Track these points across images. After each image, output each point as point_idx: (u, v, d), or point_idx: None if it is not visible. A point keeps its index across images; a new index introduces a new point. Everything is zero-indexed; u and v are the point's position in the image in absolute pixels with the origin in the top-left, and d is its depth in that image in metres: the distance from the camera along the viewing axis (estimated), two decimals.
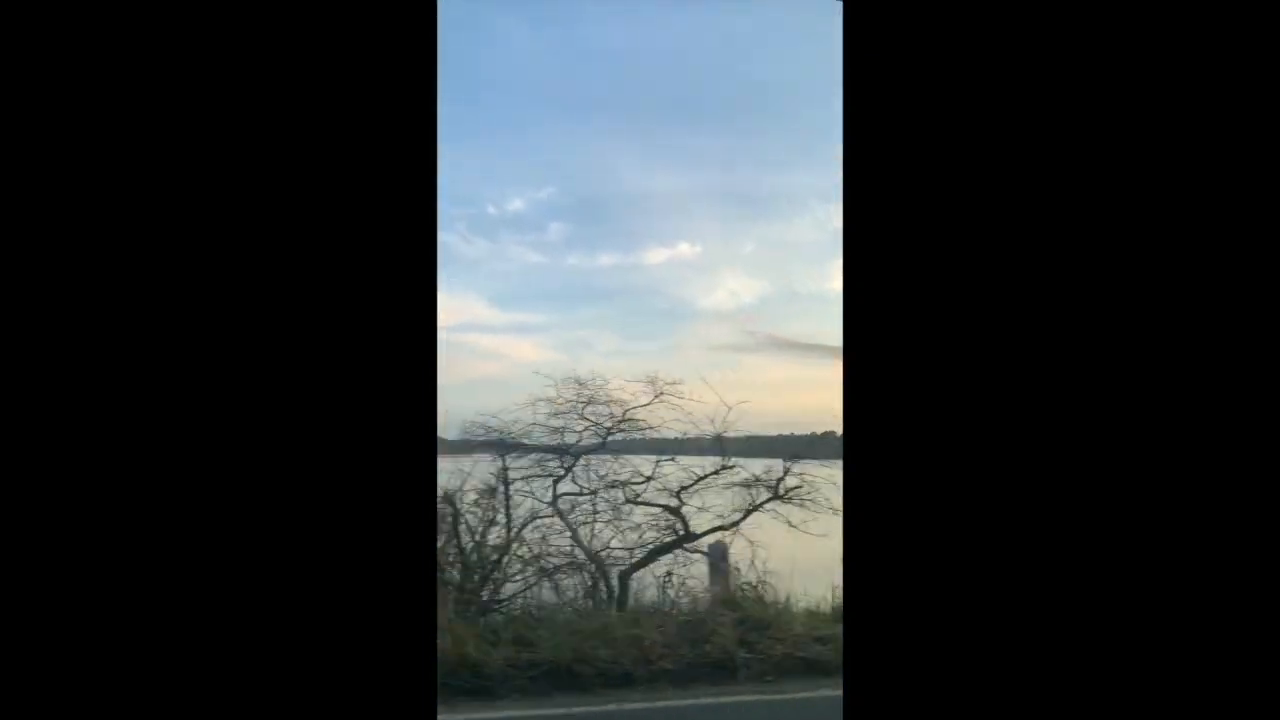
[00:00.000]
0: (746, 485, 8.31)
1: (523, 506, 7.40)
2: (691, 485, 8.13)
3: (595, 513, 7.47)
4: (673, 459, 8.43)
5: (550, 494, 7.43)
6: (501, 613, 6.32)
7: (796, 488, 8.68)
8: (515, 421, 7.65)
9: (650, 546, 7.26)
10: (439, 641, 4.43)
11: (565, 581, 6.87)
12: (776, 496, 8.49)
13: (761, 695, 4.59)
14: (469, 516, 7.14)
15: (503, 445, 7.68)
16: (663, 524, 7.91)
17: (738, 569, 7.74)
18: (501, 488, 7.39)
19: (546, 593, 6.73)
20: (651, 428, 8.58)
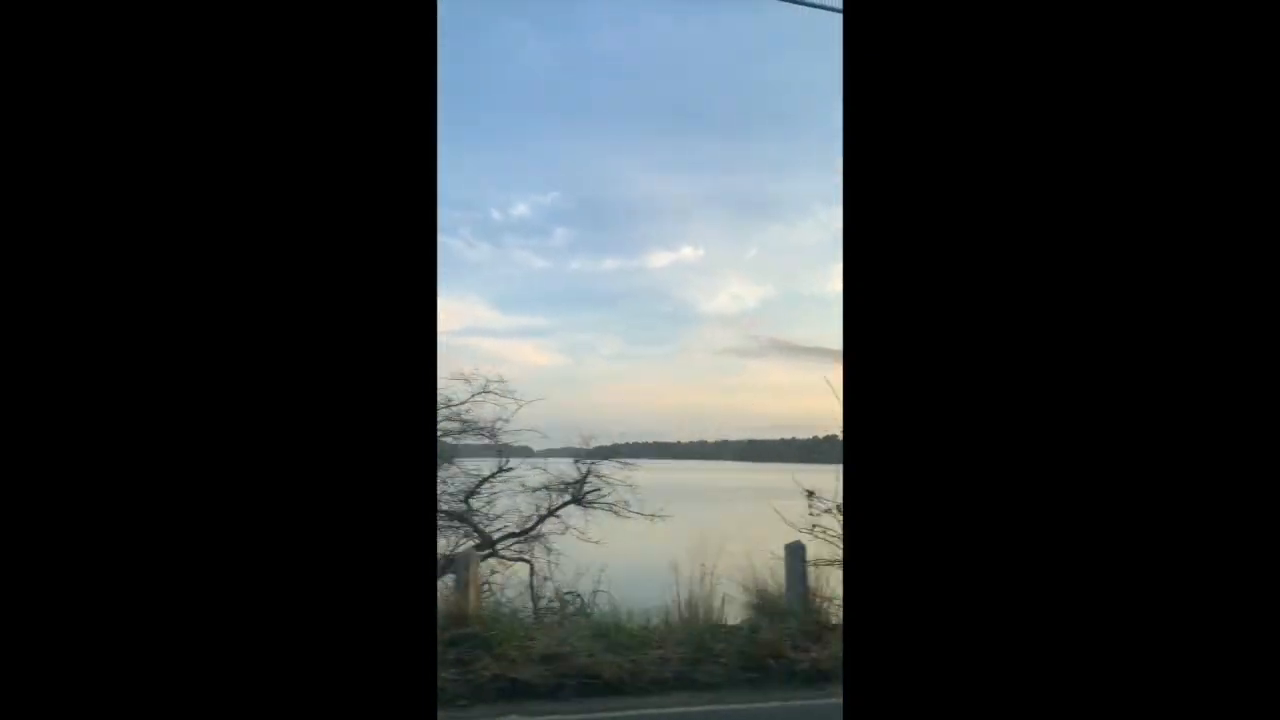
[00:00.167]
0: (548, 489, 8.20)
1: None
2: (477, 489, 7.94)
3: None
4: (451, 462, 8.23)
5: None
6: None
7: (595, 490, 8.58)
8: None
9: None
10: None
11: None
12: (576, 500, 8.41)
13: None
14: None
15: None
16: (462, 532, 7.72)
17: (547, 577, 7.61)
18: None
19: None
20: (480, 427, 8.41)
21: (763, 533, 6.54)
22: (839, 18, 1.54)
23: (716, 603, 6.10)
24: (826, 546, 6.42)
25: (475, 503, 8.21)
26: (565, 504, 8.50)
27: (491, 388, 8.02)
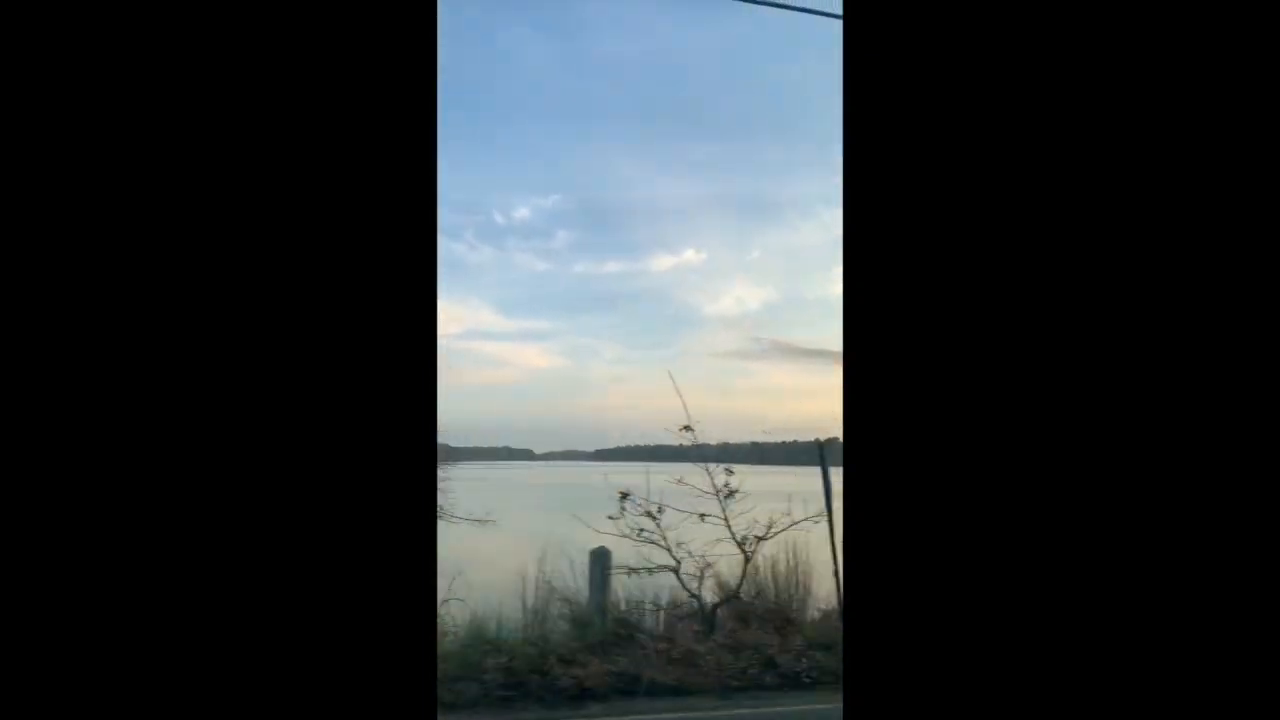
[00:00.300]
0: None
1: None
2: None
3: None
4: None
5: None
6: None
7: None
8: None
9: None
10: None
11: None
12: None
13: None
14: None
15: None
16: None
17: None
18: None
19: None
20: None
21: (588, 537, 6.15)
22: (838, 23, 1.54)
23: (512, 613, 5.78)
24: (653, 551, 6.07)
25: None
26: None
27: None
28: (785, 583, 6.76)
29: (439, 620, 5.46)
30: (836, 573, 6.27)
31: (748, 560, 6.16)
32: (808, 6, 3.55)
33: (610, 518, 6.19)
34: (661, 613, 6.18)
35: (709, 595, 6.13)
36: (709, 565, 6.15)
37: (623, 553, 6.17)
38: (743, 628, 5.83)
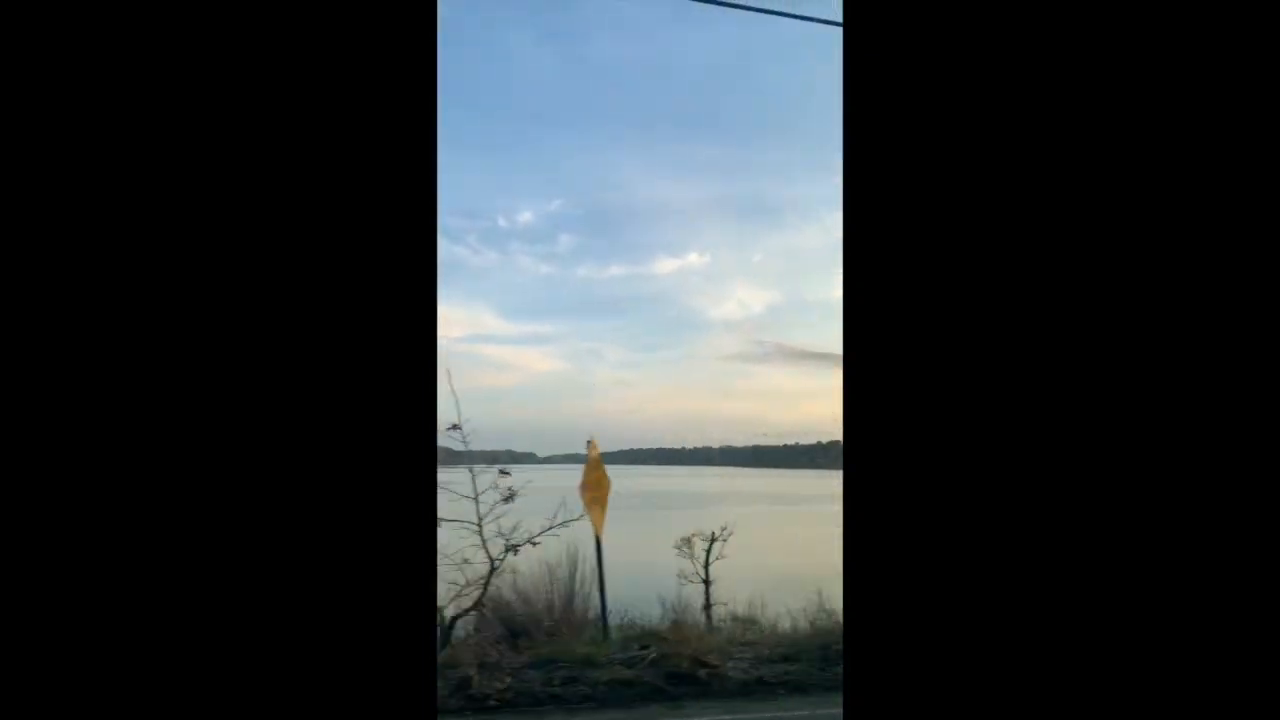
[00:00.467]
0: None
1: None
2: None
3: None
4: None
5: None
6: None
7: None
8: None
9: None
10: None
11: None
12: None
13: None
14: None
15: None
16: None
17: None
18: None
19: None
20: None
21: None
22: (838, 30, 1.61)
23: None
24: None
25: None
26: None
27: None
28: (548, 593, 6.51)
29: None
30: (602, 583, 6.11)
31: (493, 569, 5.83)
32: (807, 14, 3.58)
33: None
34: None
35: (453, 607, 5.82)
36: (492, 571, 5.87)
37: None
38: (465, 643, 5.53)
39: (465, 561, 5.78)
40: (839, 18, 1.57)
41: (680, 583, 7.45)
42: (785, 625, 6.42)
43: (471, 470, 5.99)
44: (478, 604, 5.93)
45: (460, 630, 5.82)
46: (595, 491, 6.30)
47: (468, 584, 5.83)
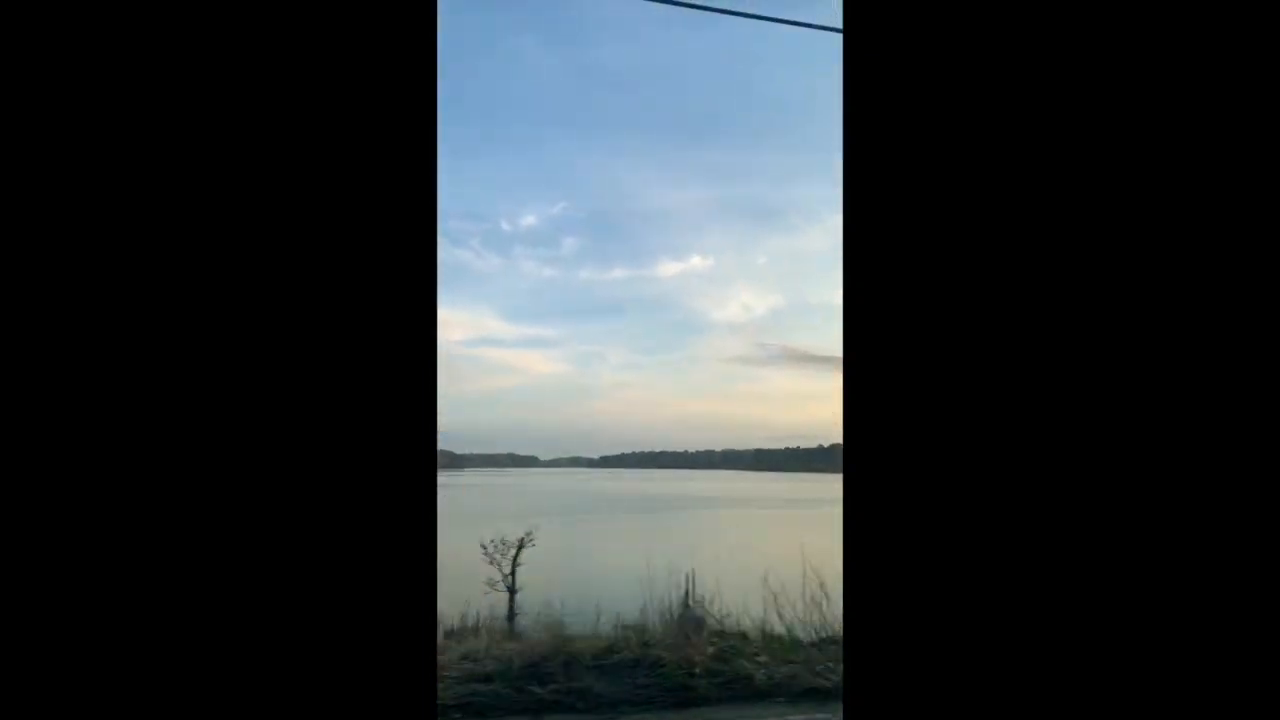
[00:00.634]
0: None
1: None
2: None
3: None
4: None
5: None
6: None
7: None
8: None
9: None
10: None
11: None
12: None
13: None
14: None
15: None
16: None
17: None
18: None
19: None
20: None
21: None
22: (838, 36, 1.57)
23: None
24: None
25: None
26: None
27: None
28: None
29: None
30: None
31: None
32: (808, 21, 3.55)
33: None
34: None
35: None
36: None
37: None
38: None
39: None
40: (838, 23, 1.59)
41: (485, 590, 7.39)
42: (540, 636, 5.63)
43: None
44: None
45: None
46: None
47: None
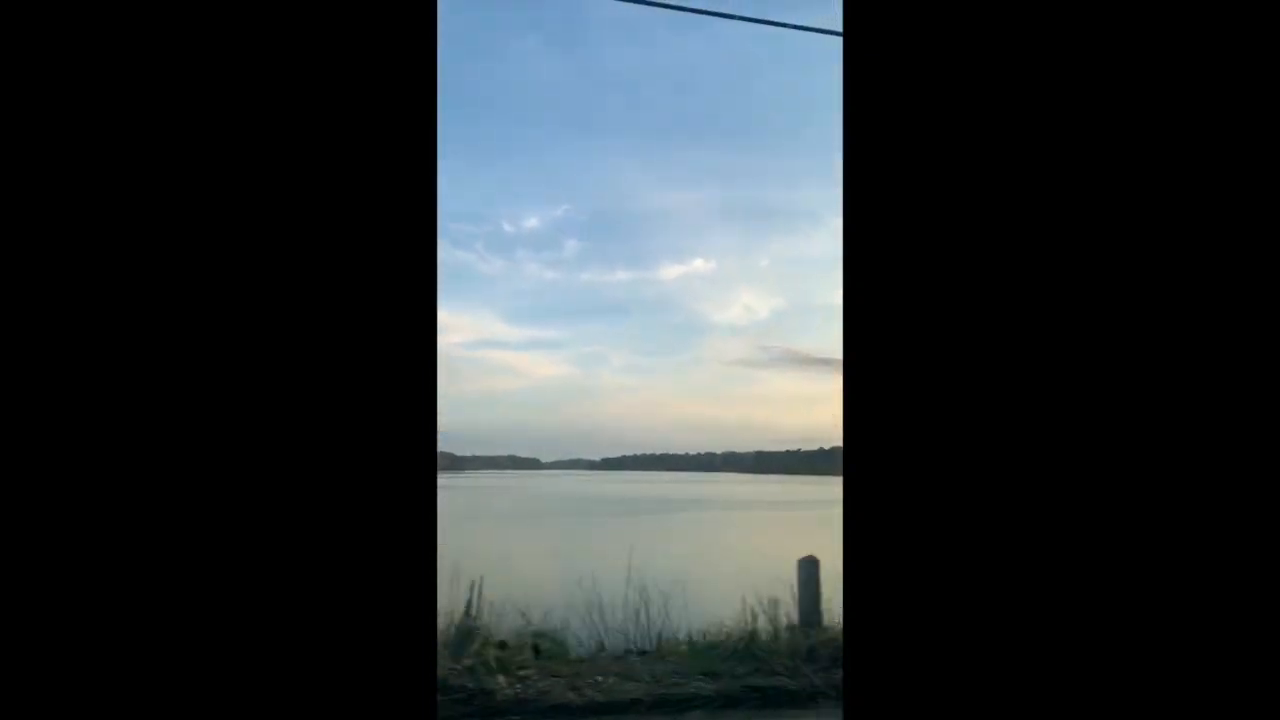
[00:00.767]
0: None
1: None
2: None
3: None
4: None
5: None
6: None
7: None
8: None
9: None
10: None
11: None
12: None
13: None
14: None
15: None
16: None
17: None
18: None
19: None
20: None
21: None
22: (839, 40, 1.57)
23: None
24: None
25: None
26: None
27: None
28: None
29: None
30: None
31: None
32: (809, 25, 3.61)
33: None
34: None
35: None
36: None
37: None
38: None
39: None
40: (838, 27, 1.60)
41: None
42: None
43: None
44: None
45: None
46: None
47: None
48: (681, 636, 5.40)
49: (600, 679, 4.60)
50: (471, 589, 5.30)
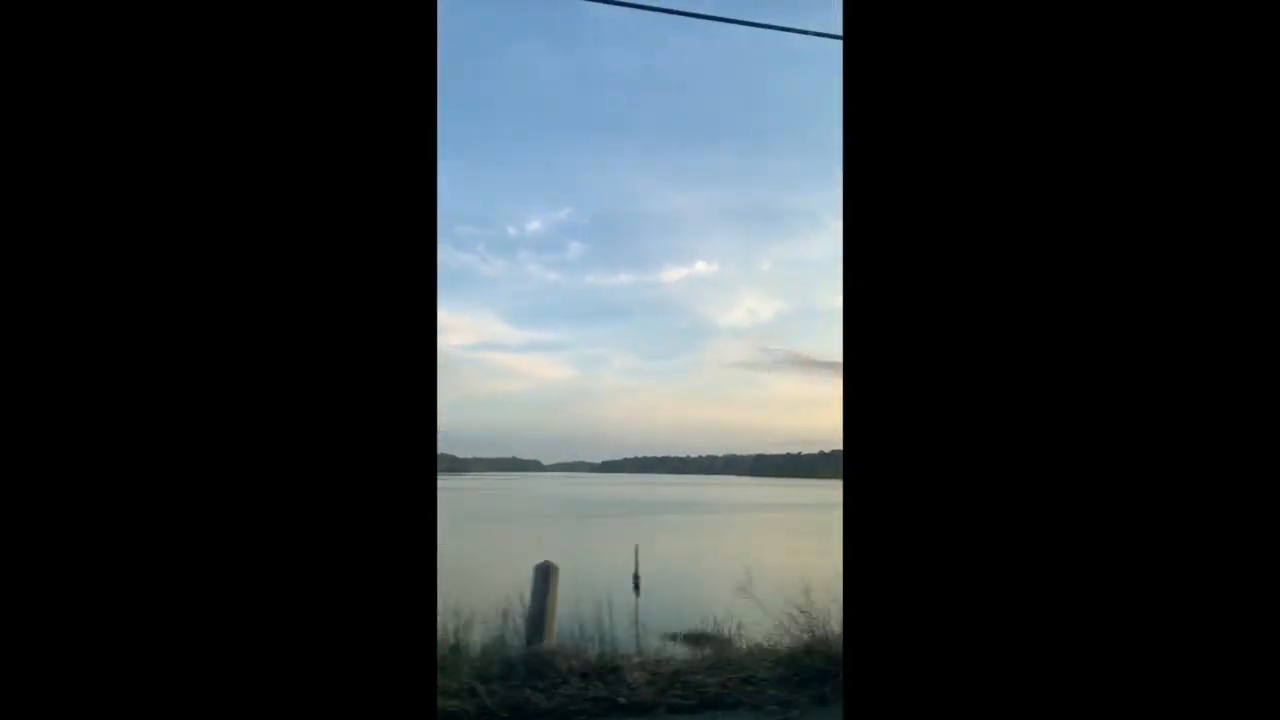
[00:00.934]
0: None
1: None
2: None
3: None
4: None
5: None
6: None
7: None
8: None
9: None
10: None
11: None
12: None
13: None
14: None
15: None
16: None
17: None
18: None
19: None
20: None
21: None
22: (839, 43, 1.62)
23: None
24: None
25: None
26: None
27: None
28: None
29: None
30: None
31: None
32: (808, 28, 3.73)
33: None
34: None
35: None
36: None
37: None
38: None
39: None
40: (838, 30, 1.62)
41: None
42: None
43: None
44: None
45: None
46: None
47: None
48: None
49: None
50: None
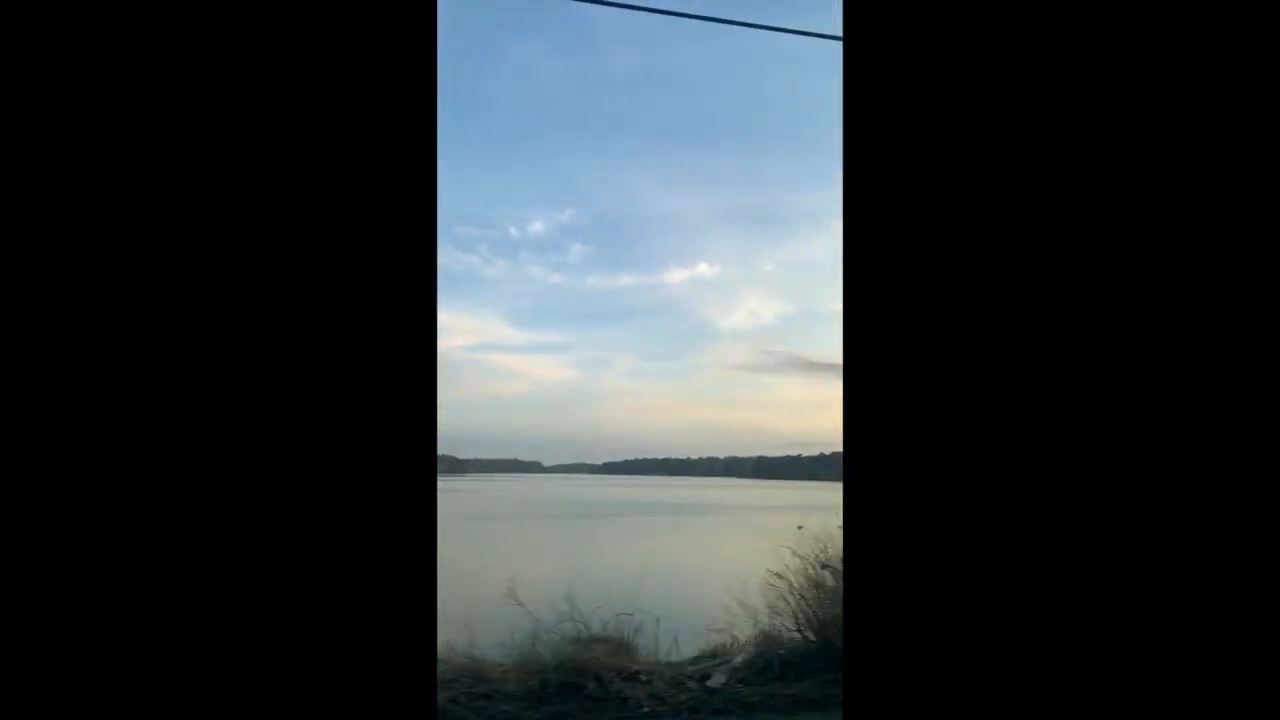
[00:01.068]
0: None
1: None
2: None
3: None
4: None
5: None
6: None
7: None
8: None
9: None
10: None
11: None
12: None
13: None
14: None
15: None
16: None
17: None
18: None
19: None
20: None
21: None
22: (839, 45, 1.61)
23: None
24: None
25: None
26: None
27: None
28: None
29: None
30: None
31: None
32: (808, 30, 3.69)
33: None
34: None
35: None
36: None
37: None
38: None
39: None
40: (839, 32, 1.63)
41: None
42: None
43: None
44: None
45: None
46: None
47: None
48: None
49: None
50: None
